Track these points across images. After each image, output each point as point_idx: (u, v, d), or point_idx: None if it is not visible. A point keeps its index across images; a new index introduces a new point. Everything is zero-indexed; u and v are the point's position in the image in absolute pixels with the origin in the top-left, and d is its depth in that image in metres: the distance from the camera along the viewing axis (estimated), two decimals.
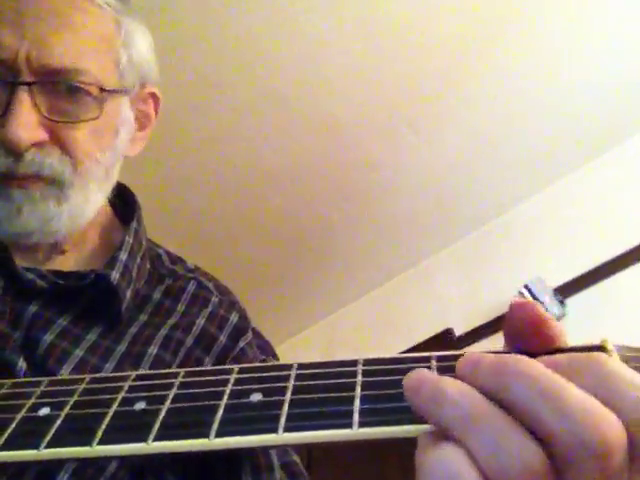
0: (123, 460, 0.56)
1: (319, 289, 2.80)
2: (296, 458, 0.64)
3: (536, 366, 0.30)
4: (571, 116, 2.19)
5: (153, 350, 0.62)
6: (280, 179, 2.32)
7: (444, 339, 2.39)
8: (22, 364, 0.55)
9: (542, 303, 2.20)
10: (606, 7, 1.89)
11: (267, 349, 0.73)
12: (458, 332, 2.39)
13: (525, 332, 0.34)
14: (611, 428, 0.28)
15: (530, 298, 2.22)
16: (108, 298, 0.63)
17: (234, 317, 0.71)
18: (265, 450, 0.60)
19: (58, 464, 0.53)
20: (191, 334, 0.66)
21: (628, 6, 1.89)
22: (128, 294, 0.65)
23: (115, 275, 0.64)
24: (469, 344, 2.28)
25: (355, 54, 1.95)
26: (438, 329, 2.45)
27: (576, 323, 2.16)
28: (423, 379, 0.31)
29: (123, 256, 0.66)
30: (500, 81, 2.07)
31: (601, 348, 0.32)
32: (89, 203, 0.65)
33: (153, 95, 0.73)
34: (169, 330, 0.65)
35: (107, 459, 0.34)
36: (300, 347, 2.92)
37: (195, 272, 0.76)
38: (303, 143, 2.20)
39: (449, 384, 0.31)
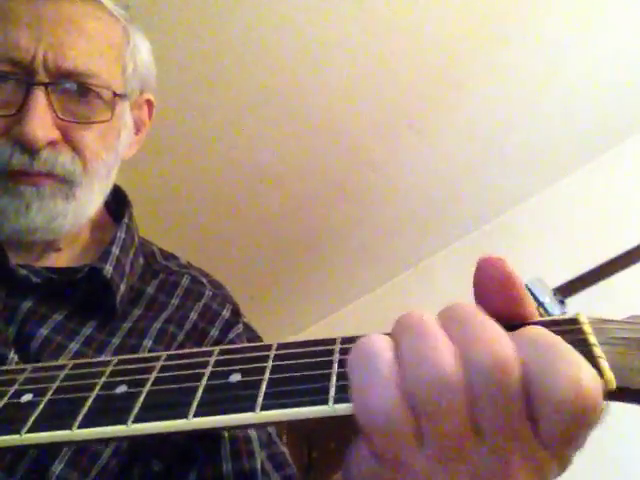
0: (116, 450, 0.56)
1: (319, 289, 2.81)
2: (284, 449, 0.65)
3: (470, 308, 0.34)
4: (571, 116, 2.19)
5: (147, 343, 0.64)
6: (280, 179, 2.32)
7: None
8: (13, 357, 0.56)
9: (542, 303, 2.19)
10: (606, 8, 1.89)
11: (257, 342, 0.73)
12: None
13: (492, 289, 0.36)
14: (503, 349, 0.30)
15: (530, 298, 2.21)
16: (102, 292, 0.65)
17: (226, 312, 0.73)
18: (246, 437, 0.62)
19: (49, 454, 0.54)
20: (183, 329, 0.67)
21: (628, 7, 1.89)
22: (122, 287, 0.66)
23: (108, 268, 0.65)
24: None
25: (355, 54, 1.95)
26: None
27: None
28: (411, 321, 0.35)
29: (115, 250, 0.68)
30: (500, 81, 2.07)
31: (575, 320, 0.34)
32: (92, 202, 0.67)
33: (149, 101, 0.76)
34: (163, 323, 0.66)
35: (89, 442, 0.34)
36: None
37: (189, 268, 0.77)
38: (303, 143, 2.20)
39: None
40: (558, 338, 0.31)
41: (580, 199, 2.34)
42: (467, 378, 0.30)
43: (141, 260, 0.73)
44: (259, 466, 0.62)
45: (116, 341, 0.63)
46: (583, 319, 0.34)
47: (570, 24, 1.92)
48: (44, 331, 0.60)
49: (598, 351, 0.32)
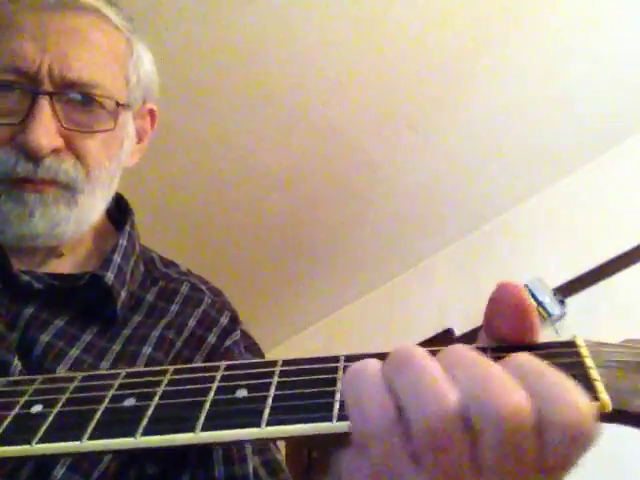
0: (116, 453, 0.57)
1: (319, 289, 2.81)
2: (278, 455, 0.66)
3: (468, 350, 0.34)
4: (571, 116, 2.19)
5: (147, 350, 0.64)
6: (280, 179, 2.32)
7: (444, 339, 2.39)
8: (17, 363, 0.57)
9: (542, 303, 2.20)
10: (606, 7, 1.89)
11: (255, 351, 0.75)
12: (458, 332, 2.40)
13: (506, 314, 0.36)
14: (513, 398, 0.30)
15: (530, 298, 2.22)
16: (103, 299, 0.65)
17: (224, 318, 0.74)
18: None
19: (52, 458, 0.54)
20: (182, 336, 0.68)
21: (628, 6, 1.89)
22: (122, 294, 0.67)
23: (109, 276, 0.66)
24: (469, 344, 2.28)
25: (355, 54, 1.95)
26: (438, 329, 2.45)
27: (576, 323, 2.16)
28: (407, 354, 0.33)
29: (117, 258, 0.69)
30: (500, 81, 2.08)
31: (572, 344, 0.35)
32: (94, 209, 0.68)
33: (151, 111, 0.78)
34: (162, 330, 0.67)
35: (98, 454, 0.35)
36: (300, 347, 2.92)
37: (188, 275, 0.78)
38: (303, 143, 2.20)
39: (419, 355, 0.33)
40: (544, 364, 0.32)
41: (580, 199, 2.35)
42: (475, 425, 0.30)
43: (141, 267, 0.74)
44: (251, 471, 0.63)
45: (116, 347, 0.63)
46: (580, 342, 0.35)
47: (570, 24, 1.93)
48: (46, 337, 0.60)
49: (594, 374, 0.33)
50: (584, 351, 0.34)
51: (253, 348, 0.75)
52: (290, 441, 0.35)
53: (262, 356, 0.76)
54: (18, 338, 0.59)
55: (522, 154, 2.31)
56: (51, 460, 0.55)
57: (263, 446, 0.66)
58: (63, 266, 0.69)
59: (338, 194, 2.39)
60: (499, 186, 2.42)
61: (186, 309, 0.71)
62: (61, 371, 0.58)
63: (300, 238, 2.56)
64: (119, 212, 0.78)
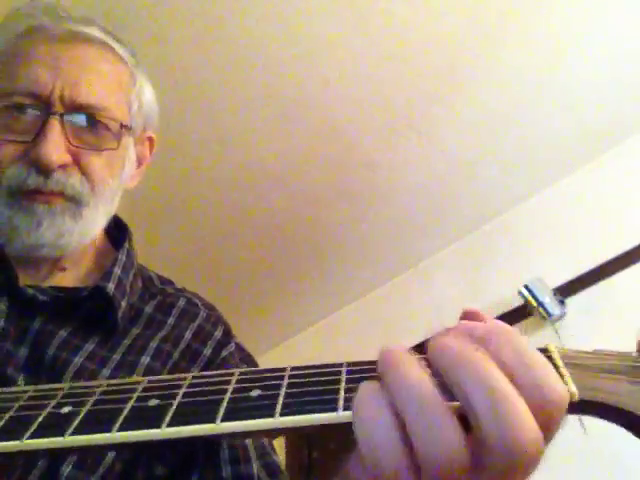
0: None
1: (319, 289, 2.81)
2: (276, 458, 0.71)
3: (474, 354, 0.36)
4: (571, 116, 2.20)
5: (145, 360, 0.69)
6: (280, 179, 2.32)
7: None
8: (21, 382, 0.61)
9: (542, 303, 2.20)
10: (606, 7, 1.89)
11: (250, 363, 0.80)
12: None
13: None
14: (530, 434, 0.32)
15: (530, 298, 2.23)
16: (105, 309, 0.70)
17: (218, 332, 0.79)
18: (243, 445, 0.68)
19: (60, 458, 0.58)
20: (178, 348, 0.73)
21: (629, 5, 1.90)
22: (123, 304, 0.72)
23: (111, 287, 0.71)
24: None
25: (355, 54, 1.95)
26: (438, 329, 2.45)
27: (576, 323, 2.16)
28: (391, 359, 0.37)
29: (117, 271, 0.74)
30: (500, 81, 2.08)
31: (545, 350, 0.39)
32: (96, 224, 0.74)
33: (150, 139, 0.85)
34: (159, 342, 0.72)
35: (126, 446, 0.38)
36: (300, 347, 2.93)
37: (184, 291, 0.84)
38: (303, 143, 2.21)
39: (411, 372, 0.36)
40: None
41: (580, 199, 2.35)
42: (485, 459, 0.33)
43: (139, 283, 0.79)
44: (256, 471, 0.67)
45: (116, 356, 0.68)
46: (552, 348, 0.40)
47: (570, 24, 1.93)
48: (52, 349, 0.64)
49: (564, 371, 0.38)
50: (555, 355, 0.39)
51: (248, 360, 0.80)
52: (294, 436, 0.37)
53: (256, 367, 0.80)
54: (27, 353, 0.64)
55: (522, 154, 2.32)
56: (59, 459, 0.58)
57: (262, 450, 0.70)
58: (66, 280, 0.74)
59: (338, 194, 2.39)
60: (499, 186, 2.42)
61: (182, 322, 0.76)
62: (66, 378, 0.63)
63: (300, 238, 2.56)
64: (118, 232, 0.83)
